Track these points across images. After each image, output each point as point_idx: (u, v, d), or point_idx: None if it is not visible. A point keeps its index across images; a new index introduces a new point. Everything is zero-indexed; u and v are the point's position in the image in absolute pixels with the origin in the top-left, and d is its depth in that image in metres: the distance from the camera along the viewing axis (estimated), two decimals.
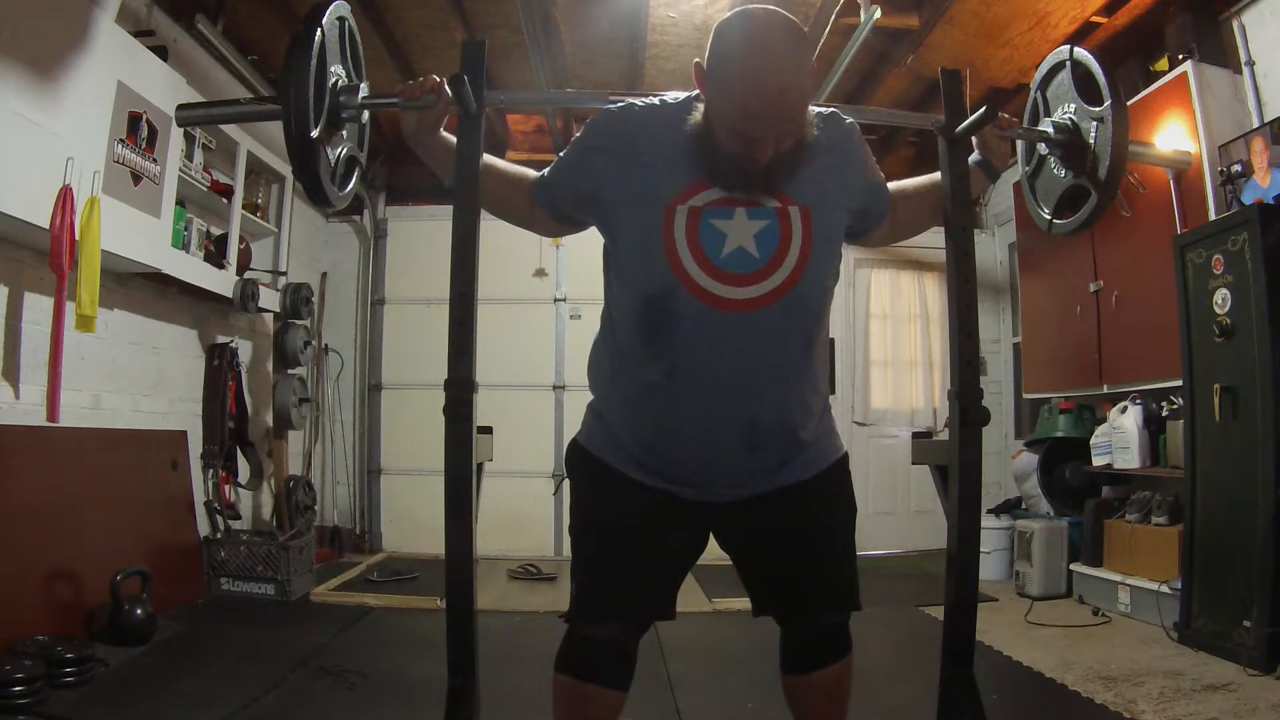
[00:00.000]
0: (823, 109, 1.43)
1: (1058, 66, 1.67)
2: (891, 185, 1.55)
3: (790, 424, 1.39)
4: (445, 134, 1.49)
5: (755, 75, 1.22)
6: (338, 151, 1.47)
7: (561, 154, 1.47)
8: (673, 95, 1.41)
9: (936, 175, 1.59)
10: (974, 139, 1.57)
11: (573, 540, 1.49)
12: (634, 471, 1.42)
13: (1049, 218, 1.73)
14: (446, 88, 1.41)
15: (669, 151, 1.33)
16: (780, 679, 1.55)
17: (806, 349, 1.39)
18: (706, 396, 1.34)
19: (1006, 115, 1.57)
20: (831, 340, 5.68)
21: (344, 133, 1.49)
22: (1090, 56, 1.59)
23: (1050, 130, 1.63)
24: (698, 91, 1.35)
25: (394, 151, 5.40)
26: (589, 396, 1.54)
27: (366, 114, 1.53)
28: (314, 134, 1.34)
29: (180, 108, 1.61)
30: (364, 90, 1.47)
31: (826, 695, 1.51)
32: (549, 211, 1.49)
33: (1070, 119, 1.61)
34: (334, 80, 1.42)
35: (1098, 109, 1.55)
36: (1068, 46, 1.66)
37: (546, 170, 1.49)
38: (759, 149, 1.25)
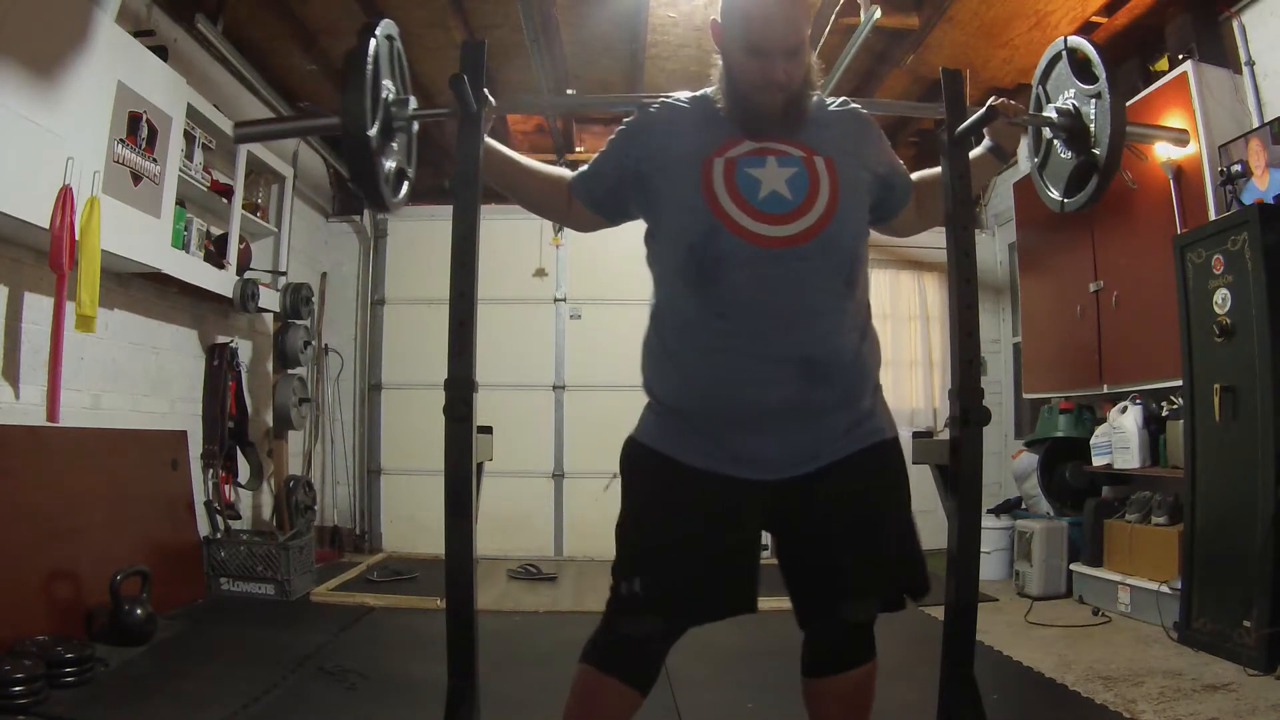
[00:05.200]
0: (841, 98, 1.59)
1: (1055, 59, 1.73)
2: (916, 174, 1.65)
3: (846, 361, 1.41)
4: (490, 140, 1.56)
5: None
6: (390, 162, 1.55)
7: (602, 150, 1.58)
8: (704, 90, 1.54)
9: None
10: (985, 129, 1.64)
11: (622, 534, 1.48)
12: (694, 458, 1.42)
13: (1060, 199, 1.78)
14: (490, 98, 1.50)
15: (701, 122, 1.48)
16: (801, 682, 1.52)
17: (849, 289, 1.43)
18: (760, 328, 1.38)
19: (1013, 103, 1.63)
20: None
21: (394, 144, 1.57)
22: (1084, 40, 1.66)
23: (1054, 115, 1.70)
24: (715, 86, 1.51)
25: None
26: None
27: (415, 125, 1.63)
28: (372, 143, 1.43)
29: (237, 125, 1.77)
30: (413, 103, 1.56)
31: (851, 700, 1.49)
32: (586, 203, 1.58)
33: (1072, 104, 1.68)
34: (385, 94, 1.50)
35: (1093, 86, 1.63)
36: (1063, 38, 1.72)
37: (585, 166, 1.59)
38: (772, 66, 1.39)
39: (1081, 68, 1.66)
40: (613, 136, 1.56)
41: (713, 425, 1.42)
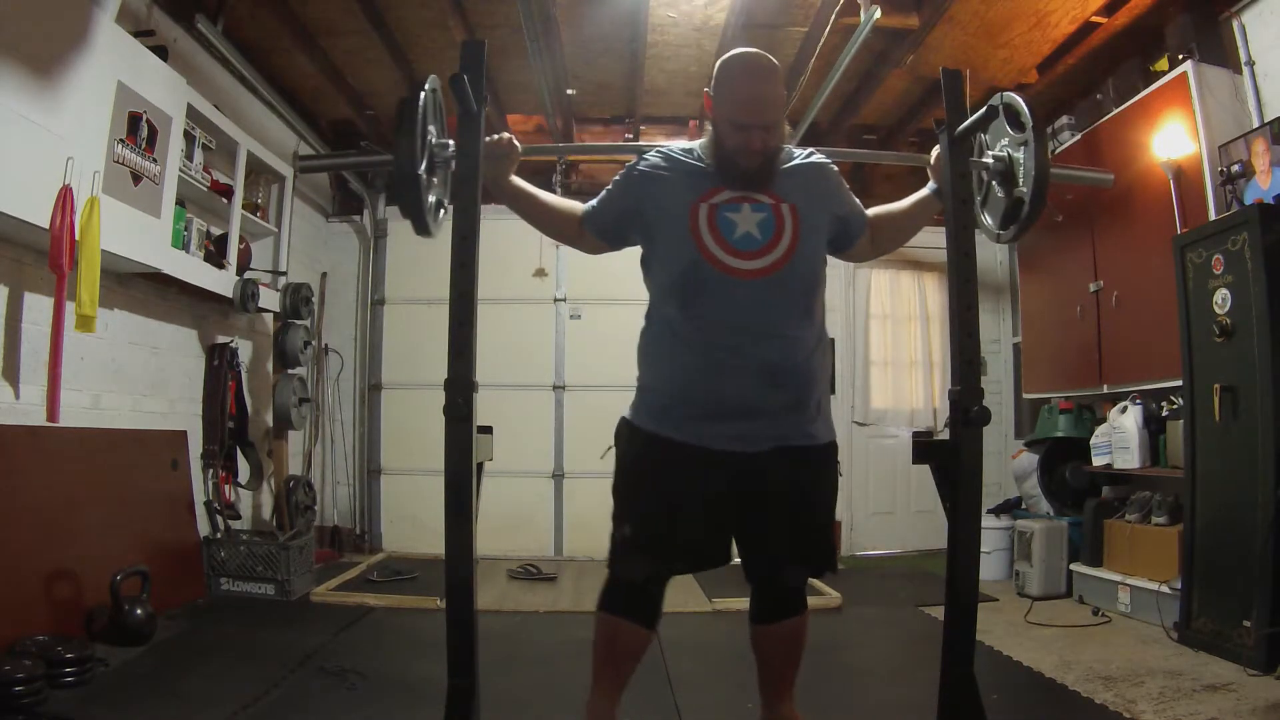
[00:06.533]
0: (807, 149, 1.90)
1: (992, 110, 1.94)
2: (872, 210, 1.96)
3: (799, 370, 1.74)
4: (516, 179, 1.88)
5: (746, 78, 1.76)
6: (432, 196, 1.81)
7: (607, 189, 1.90)
8: (692, 143, 1.87)
9: (906, 201, 1.99)
10: (929, 170, 2.00)
11: (618, 496, 1.81)
12: (675, 433, 1.73)
13: (997, 230, 2.01)
14: (515, 142, 1.85)
15: (691, 172, 1.80)
16: (750, 628, 1.88)
17: (806, 312, 1.77)
18: (729, 341, 1.71)
19: None
20: (831, 340, 5.70)
21: (435, 179, 1.84)
22: (1015, 96, 1.88)
23: (990, 161, 1.96)
24: (703, 142, 1.82)
25: None
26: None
27: (454, 163, 1.86)
28: (422, 181, 1.68)
29: (300, 158, 2.19)
30: (451, 145, 1.81)
31: (787, 643, 1.88)
32: (595, 233, 1.91)
33: (1007, 152, 1.93)
34: (430, 138, 1.76)
35: (1022, 135, 1.86)
36: (1000, 93, 1.94)
37: (594, 201, 1.91)
38: (752, 137, 1.71)
39: (1014, 119, 1.89)
40: (618, 178, 1.88)
41: (691, 408, 1.73)
